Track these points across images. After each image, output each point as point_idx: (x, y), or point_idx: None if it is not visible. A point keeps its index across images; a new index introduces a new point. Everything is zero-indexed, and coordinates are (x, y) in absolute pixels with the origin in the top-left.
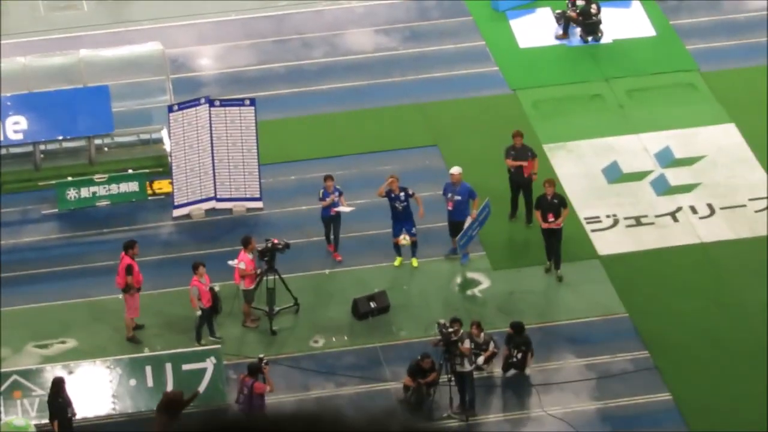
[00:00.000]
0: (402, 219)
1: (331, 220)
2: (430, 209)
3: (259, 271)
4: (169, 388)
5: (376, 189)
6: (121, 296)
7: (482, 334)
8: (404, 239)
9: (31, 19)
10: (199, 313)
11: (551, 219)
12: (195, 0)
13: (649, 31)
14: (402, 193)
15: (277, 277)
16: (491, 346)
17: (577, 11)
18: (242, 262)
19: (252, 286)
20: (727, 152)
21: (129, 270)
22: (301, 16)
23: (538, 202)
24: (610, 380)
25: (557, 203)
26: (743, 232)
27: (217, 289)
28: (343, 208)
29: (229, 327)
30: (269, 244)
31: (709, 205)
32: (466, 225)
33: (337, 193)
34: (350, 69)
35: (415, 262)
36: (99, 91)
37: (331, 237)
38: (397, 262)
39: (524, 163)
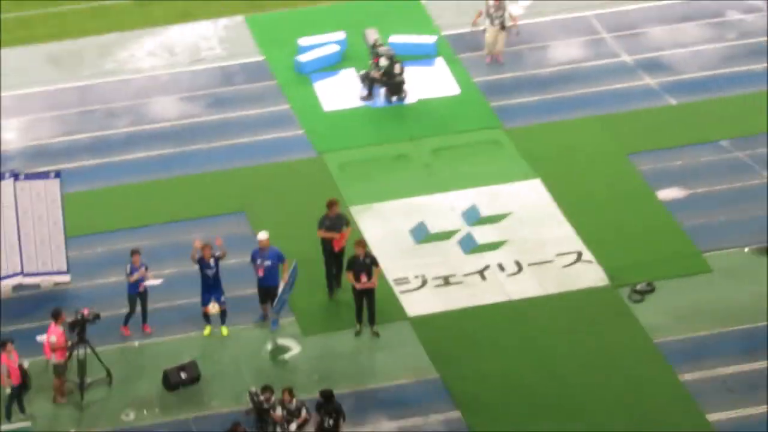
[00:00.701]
0: (211, 287)
1: (138, 296)
2: (238, 276)
3: (70, 344)
4: None
5: (184, 258)
6: None
7: (294, 401)
8: (213, 308)
9: None
10: (8, 391)
11: (364, 279)
12: None
13: (454, 90)
14: (212, 260)
15: (88, 348)
16: (303, 412)
17: (381, 71)
18: (53, 335)
19: (63, 360)
20: (534, 208)
21: None
22: (106, 86)
23: (350, 263)
24: None
25: (369, 263)
26: (551, 288)
27: (26, 365)
28: (152, 282)
29: (39, 403)
30: (79, 316)
31: (517, 262)
32: (280, 290)
33: (143, 268)
34: (156, 137)
35: (224, 330)
36: None
37: (131, 317)
38: (206, 332)
39: (336, 236)
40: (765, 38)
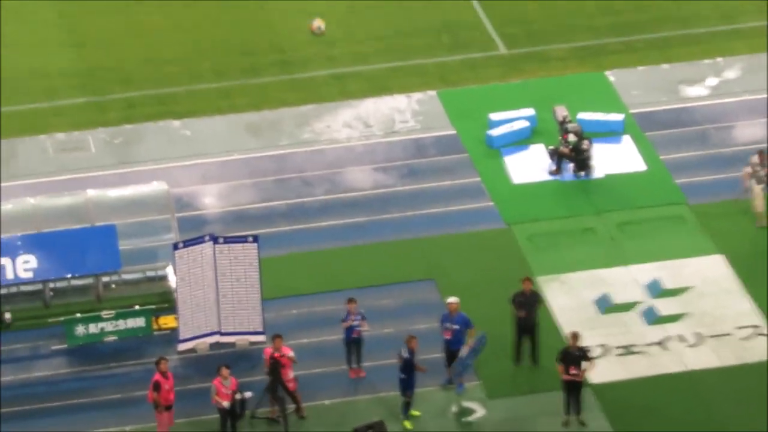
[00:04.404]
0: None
1: (353, 342)
2: (427, 340)
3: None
4: None
5: (374, 322)
6: (128, 429)
7: None
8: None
9: (40, 160)
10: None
11: (573, 372)
12: (198, 141)
13: (640, 166)
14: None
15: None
16: None
17: (570, 147)
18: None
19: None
20: (714, 283)
21: (156, 386)
22: (302, 156)
23: (563, 354)
24: None
25: (580, 355)
26: (729, 360)
27: (246, 396)
28: (366, 330)
29: None
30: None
31: (697, 334)
32: (462, 353)
33: (359, 318)
34: (350, 206)
35: (408, 424)
36: (106, 230)
37: (352, 360)
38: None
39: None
40: None
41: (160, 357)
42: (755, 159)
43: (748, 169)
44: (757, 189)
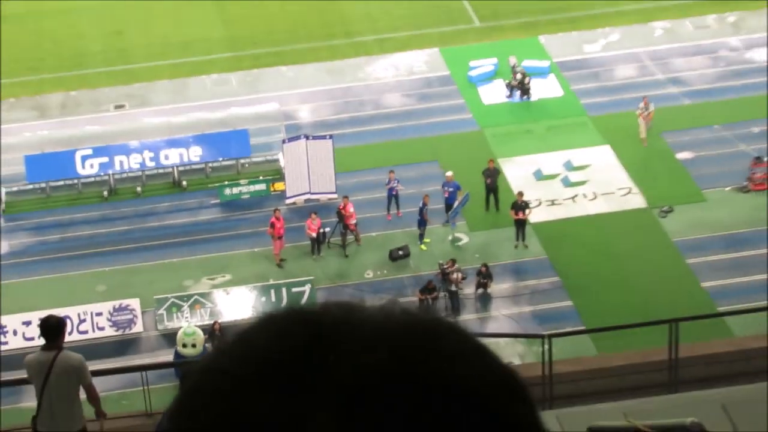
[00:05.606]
0: (424, 221)
1: (392, 198)
2: (433, 197)
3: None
4: (284, 303)
5: (405, 185)
6: (257, 250)
7: (456, 266)
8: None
9: (203, 90)
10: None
11: (521, 215)
12: (297, 79)
13: (559, 93)
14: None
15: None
16: (459, 274)
17: (518, 82)
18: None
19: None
20: (604, 162)
21: (272, 225)
22: (359, 87)
23: (513, 204)
24: (537, 294)
25: (523, 205)
26: (614, 208)
27: (327, 230)
28: (401, 189)
29: (329, 256)
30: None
31: (594, 193)
32: (455, 205)
33: (396, 182)
34: (387, 117)
35: (422, 247)
36: (242, 132)
37: (391, 208)
38: (423, 247)
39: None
40: (742, 66)
41: (275, 207)
42: (641, 105)
43: (638, 111)
44: (642, 125)
